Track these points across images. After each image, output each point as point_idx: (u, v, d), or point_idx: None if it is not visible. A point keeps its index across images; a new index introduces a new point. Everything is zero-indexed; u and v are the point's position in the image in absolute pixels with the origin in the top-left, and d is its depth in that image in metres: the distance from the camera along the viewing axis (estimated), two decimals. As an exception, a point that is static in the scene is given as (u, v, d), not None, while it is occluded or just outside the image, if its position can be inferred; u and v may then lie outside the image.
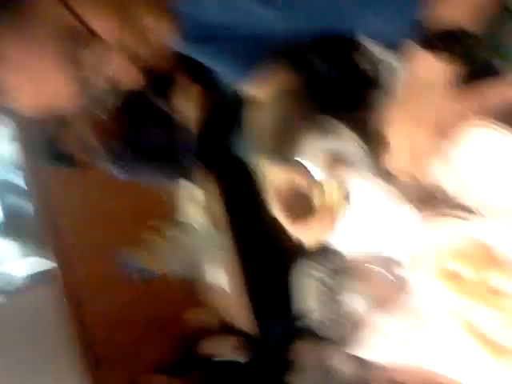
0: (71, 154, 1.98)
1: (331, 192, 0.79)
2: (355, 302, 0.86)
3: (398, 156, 0.78)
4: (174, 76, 1.97)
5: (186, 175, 2.06)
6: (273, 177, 0.87)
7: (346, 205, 0.80)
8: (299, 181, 0.83)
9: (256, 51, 0.94)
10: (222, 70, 0.99)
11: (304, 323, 0.91)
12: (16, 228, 4.63)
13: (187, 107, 1.94)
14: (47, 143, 1.98)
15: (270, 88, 0.96)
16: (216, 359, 2.16)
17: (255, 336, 2.03)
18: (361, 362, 0.89)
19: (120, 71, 0.62)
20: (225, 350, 2.12)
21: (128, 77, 0.63)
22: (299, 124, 0.94)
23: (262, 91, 0.97)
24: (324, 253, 1.50)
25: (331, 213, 0.79)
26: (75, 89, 0.60)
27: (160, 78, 2.02)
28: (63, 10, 0.56)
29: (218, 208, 2.12)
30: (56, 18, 0.57)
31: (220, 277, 2.23)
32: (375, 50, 1.20)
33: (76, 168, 2.08)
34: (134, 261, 2.71)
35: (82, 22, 0.57)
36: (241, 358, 2.07)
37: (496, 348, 0.69)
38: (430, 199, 0.82)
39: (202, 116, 1.96)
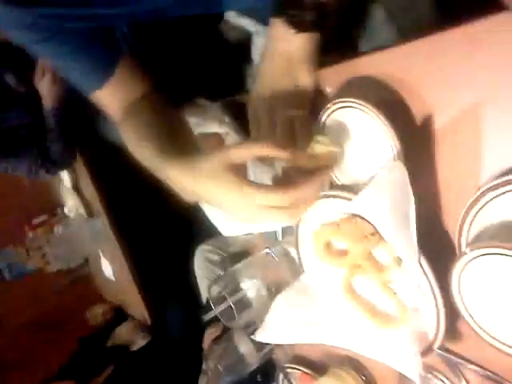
0: None
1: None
2: (252, 287, 0.85)
3: (264, 138, 0.77)
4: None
5: (54, 160, 1.91)
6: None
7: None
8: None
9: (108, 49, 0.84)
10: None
11: (208, 310, 0.89)
12: None
13: (46, 85, 1.78)
14: None
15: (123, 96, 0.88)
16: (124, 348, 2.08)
17: (150, 323, 1.98)
18: (264, 345, 0.89)
19: None
20: (126, 337, 2.05)
21: None
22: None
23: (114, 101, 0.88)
24: (218, 238, 1.50)
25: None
26: None
27: (8, 50, 1.83)
28: None
29: (90, 192, 2.01)
30: None
31: (106, 267, 2.14)
32: (241, 22, 1.17)
33: None
34: (11, 259, 2.52)
35: None
36: (141, 341, 2.02)
37: (383, 317, 0.72)
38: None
39: (62, 95, 1.81)
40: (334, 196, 0.71)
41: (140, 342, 2.01)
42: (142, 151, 0.77)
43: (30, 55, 1.73)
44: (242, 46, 1.63)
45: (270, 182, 0.79)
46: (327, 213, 0.74)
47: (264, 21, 1.05)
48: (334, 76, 0.74)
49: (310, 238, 0.78)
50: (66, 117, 1.83)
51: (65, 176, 2.11)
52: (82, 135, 1.89)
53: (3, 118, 1.83)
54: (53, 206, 2.49)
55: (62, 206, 2.38)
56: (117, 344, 2.07)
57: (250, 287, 0.87)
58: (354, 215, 0.68)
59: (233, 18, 1.21)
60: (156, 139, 0.76)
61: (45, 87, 1.76)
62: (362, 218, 0.67)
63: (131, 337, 2.01)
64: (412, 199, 0.61)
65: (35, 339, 2.62)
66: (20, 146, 1.83)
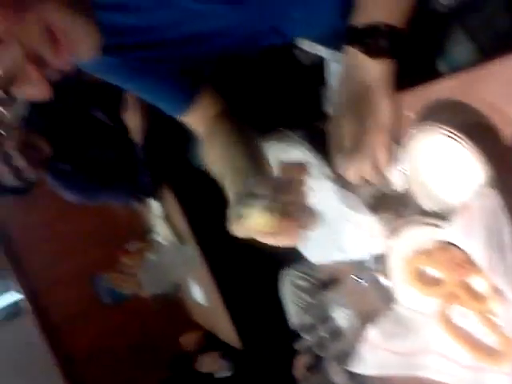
0: (9, 184, 1.89)
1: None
2: (343, 316, 0.84)
3: (348, 162, 0.77)
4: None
5: (144, 190, 2.01)
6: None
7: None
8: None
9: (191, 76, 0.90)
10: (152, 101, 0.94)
11: (297, 336, 0.89)
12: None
13: (133, 119, 1.89)
14: None
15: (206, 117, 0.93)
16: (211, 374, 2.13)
17: (240, 349, 2.00)
18: (357, 376, 0.88)
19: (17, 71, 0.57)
20: (212, 365, 2.09)
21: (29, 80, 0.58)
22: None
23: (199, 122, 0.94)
24: (306, 263, 1.50)
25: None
26: None
27: (100, 89, 1.94)
28: None
29: (179, 220, 2.09)
30: None
31: (196, 292, 2.20)
32: (314, 48, 1.19)
33: (21, 196, 1.99)
34: (108, 284, 2.67)
35: None
36: (226, 372, 2.06)
37: (483, 351, 0.68)
38: (392, 204, 0.80)
39: (147, 127, 1.91)
40: (426, 223, 0.69)
41: (223, 373, 2.05)
42: (215, 171, 0.82)
43: (117, 92, 1.86)
44: (317, 70, 1.64)
45: (361, 207, 0.79)
46: (419, 240, 0.72)
47: (337, 47, 1.06)
48: (414, 100, 0.73)
49: (402, 266, 0.76)
50: (153, 148, 1.93)
51: (155, 204, 2.21)
52: (169, 165, 1.97)
53: (100, 153, 1.96)
54: (145, 233, 2.62)
55: (153, 233, 2.49)
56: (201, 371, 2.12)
57: (341, 316, 0.86)
58: (448, 243, 0.66)
59: (306, 45, 1.23)
60: (227, 160, 0.81)
61: (132, 122, 1.87)
62: (456, 245, 0.64)
63: (215, 367, 2.05)
64: (508, 226, 0.58)
65: (129, 361, 2.74)
66: (114, 178, 1.95)
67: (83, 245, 2.75)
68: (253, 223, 0.62)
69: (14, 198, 2.05)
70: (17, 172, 1.83)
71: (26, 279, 2.71)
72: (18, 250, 2.71)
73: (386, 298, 0.85)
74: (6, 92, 0.57)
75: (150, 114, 1.87)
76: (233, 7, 0.77)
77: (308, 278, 1.54)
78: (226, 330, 2.03)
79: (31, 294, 2.72)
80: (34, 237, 2.72)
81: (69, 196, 2.03)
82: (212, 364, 2.06)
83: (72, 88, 1.88)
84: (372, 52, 0.69)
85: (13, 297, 4.05)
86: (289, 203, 0.66)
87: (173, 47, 0.83)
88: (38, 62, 0.57)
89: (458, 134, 0.60)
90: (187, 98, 0.91)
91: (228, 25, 0.81)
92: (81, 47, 0.61)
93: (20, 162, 1.81)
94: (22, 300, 2.84)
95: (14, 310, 3.68)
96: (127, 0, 0.73)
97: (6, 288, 4.30)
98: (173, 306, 2.66)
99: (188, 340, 2.32)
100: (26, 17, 0.55)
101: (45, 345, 2.73)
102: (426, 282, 0.73)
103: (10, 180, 1.85)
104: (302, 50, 1.26)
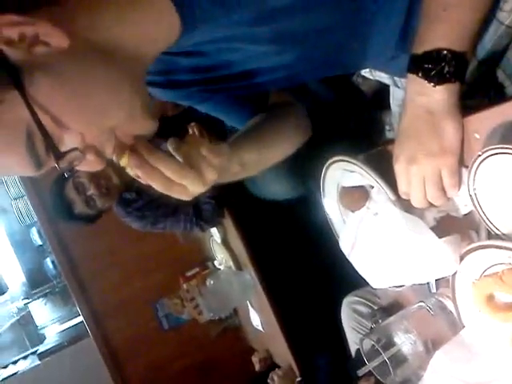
0: (80, 212, 1.97)
1: None
2: (407, 342, 0.83)
3: (412, 190, 0.77)
4: (179, 121, 2.00)
5: (207, 218, 2.06)
6: None
7: None
8: None
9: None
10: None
11: (357, 363, 0.88)
12: (40, 286, 4.70)
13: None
14: (59, 202, 1.98)
15: None
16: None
17: (299, 374, 1.98)
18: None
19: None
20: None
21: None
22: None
23: None
24: (366, 289, 1.49)
25: None
26: None
27: (163, 123, 2.04)
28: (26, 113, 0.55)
29: (238, 245, 2.12)
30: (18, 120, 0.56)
31: (254, 318, 2.20)
32: (375, 76, 1.20)
33: (90, 224, 2.08)
34: (167, 310, 2.73)
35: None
36: None
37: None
38: (459, 228, 0.79)
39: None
40: (495, 246, 0.68)
41: None
42: None
43: (181, 127, 1.94)
44: (378, 96, 1.65)
45: (427, 232, 0.78)
46: (487, 264, 0.70)
47: (399, 73, 1.07)
48: (481, 122, 0.73)
49: (469, 291, 0.74)
50: None
51: (215, 231, 2.26)
52: (230, 194, 2.02)
53: None
54: (204, 260, 2.67)
55: (212, 259, 2.53)
56: None
57: (405, 342, 0.85)
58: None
59: (366, 73, 1.24)
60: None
61: None
62: (528, 269, 0.63)
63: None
64: None
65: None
66: (177, 206, 2.01)
67: (144, 271, 2.83)
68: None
69: (82, 225, 2.15)
70: (88, 200, 1.93)
71: (89, 304, 2.80)
72: (82, 275, 2.81)
73: (453, 324, 0.83)
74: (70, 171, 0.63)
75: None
76: (293, 46, 0.81)
77: (369, 303, 1.52)
78: (284, 357, 2.02)
79: (93, 318, 2.80)
80: (97, 263, 2.83)
81: (134, 223, 2.11)
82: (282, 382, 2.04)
83: None
84: (434, 78, 0.70)
85: (77, 321, 4.21)
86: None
87: (235, 80, 0.88)
88: (98, 153, 0.64)
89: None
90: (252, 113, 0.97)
91: (289, 59, 0.84)
92: (145, 132, 0.67)
93: (91, 190, 1.91)
94: (84, 324, 2.93)
95: (77, 334, 3.82)
96: (194, 47, 0.78)
97: (73, 312, 4.48)
98: (230, 331, 2.68)
99: (255, 359, 2.30)
100: (97, 130, 0.61)
101: (104, 368, 2.79)
102: (497, 306, 0.71)
103: (81, 208, 1.96)
104: (362, 76, 1.28)
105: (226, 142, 0.83)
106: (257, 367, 2.30)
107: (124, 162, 0.66)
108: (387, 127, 1.64)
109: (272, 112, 0.98)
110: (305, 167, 1.78)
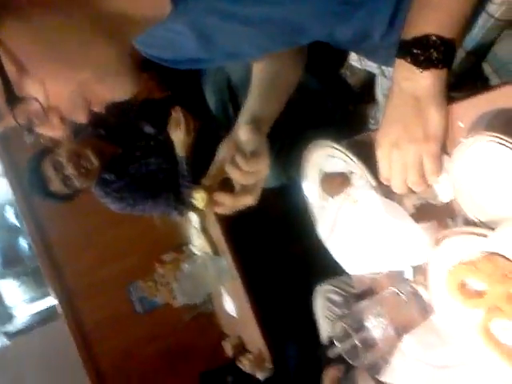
0: (56, 190, 1.95)
1: None
2: (377, 326, 0.84)
3: (393, 175, 0.78)
4: (164, 105, 1.99)
5: (185, 202, 2.05)
6: None
7: None
8: None
9: None
10: None
11: (330, 349, 0.89)
12: (14, 267, 4.62)
13: (178, 134, 1.94)
14: (35, 178, 1.95)
15: None
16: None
17: (270, 360, 2.00)
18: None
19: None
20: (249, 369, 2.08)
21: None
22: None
23: None
24: (339, 278, 1.50)
25: None
26: None
27: (149, 106, 2.02)
28: None
29: (215, 231, 2.12)
30: None
31: (228, 303, 2.21)
32: (363, 64, 1.20)
33: (66, 202, 2.05)
34: (141, 293, 2.71)
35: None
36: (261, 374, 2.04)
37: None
38: (437, 215, 0.80)
39: (192, 142, 1.96)
40: (469, 233, 0.69)
41: (261, 374, 2.03)
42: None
43: (165, 111, 1.93)
44: (365, 90, 1.66)
45: (405, 218, 0.79)
46: (462, 251, 0.71)
47: (387, 62, 1.07)
48: (466, 111, 0.73)
49: (443, 278, 0.75)
50: (196, 163, 1.97)
51: (193, 217, 2.25)
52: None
53: (144, 164, 2.02)
54: (181, 244, 2.65)
55: (188, 244, 2.52)
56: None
57: (376, 326, 0.86)
58: (493, 253, 0.66)
59: (355, 61, 1.25)
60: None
61: (177, 138, 1.92)
62: (503, 256, 0.64)
63: (253, 369, 2.04)
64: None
65: (160, 370, 2.75)
66: (157, 189, 2.00)
67: (120, 254, 2.80)
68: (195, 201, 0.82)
69: (57, 205, 2.12)
70: (65, 179, 1.90)
71: (62, 285, 2.77)
72: (56, 257, 2.78)
73: (424, 309, 0.84)
74: (31, 132, 0.60)
75: (195, 130, 1.92)
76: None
77: (342, 292, 1.54)
78: (256, 343, 2.02)
79: (66, 300, 2.77)
80: (72, 244, 2.79)
81: (112, 205, 2.09)
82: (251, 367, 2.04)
83: (124, 103, 1.95)
84: (422, 63, 0.70)
85: (49, 302, 4.15)
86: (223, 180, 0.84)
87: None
88: (62, 118, 0.61)
89: (509, 141, 0.60)
90: None
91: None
92: (114, 99, 0.65)
93: (69, 170, 1.89)
94: (57, 305, 2.90)
95: (49, 315, 3.77)
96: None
97: (44, 293, 4.42)
98: (204, 316, 2.68)
99: (228, 346, 2.29)
100: (64, 83, 0.59)
101: (75, 349, 2.77)
102: (468, 293, 0.72)
103: (57, 186, 1.93)
104: (350, 67, 1.28)
105: (263, 151, 0.88)
106: (229, 353, 2.31)
107: (201, 204, 0.81)
108: (372, 121, 1.65)
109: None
110: (288, 157, 1.78)
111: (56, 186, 1.93)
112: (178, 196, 2.00)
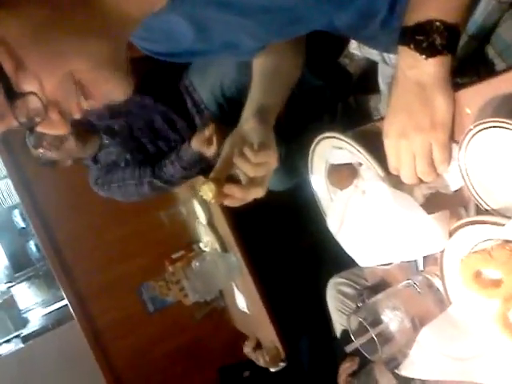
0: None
1: None
2: (394, 319, 0.83)
3: (402, 165, 0.76)
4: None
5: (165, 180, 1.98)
6: None
7: None
8: None
9: None
10: None
11: (346, 344, 0.88)
12: (25, 270, 4.65)
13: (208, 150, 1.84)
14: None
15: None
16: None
17: (284, 355, 1.99)
18: (407, 380, 0.86)
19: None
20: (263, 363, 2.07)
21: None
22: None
23: None
24: (351, 271, 1.49)
25: None
26: None
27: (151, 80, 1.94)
28: None
29: (223, 227, 2.11)
30: None
31: (239, 300, 2.20)
32: (364, 52, 1.18)
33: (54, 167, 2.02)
34: (152, 292, 2.72)
35: None
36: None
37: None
38: (448, 204, 0.79)
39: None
40: (483, 222, 0.67)
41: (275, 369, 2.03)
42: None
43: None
44: (366, 79, 1.63)
45: (416, 208, 0.78)
46: (475, 240, 0.70)
47: (388, 49, 1.05)
48: (473, 97, 0.72)
49: (457, 268, 0.74)
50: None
51: (200, 213, 2.24)
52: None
53: (108, 153, 1.99)
54: (190, 242, 2.65)
55: (198, 241, 2.52)
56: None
57: (392, 319, 0.85)
58: (508, 241, 0.64)
59: (355, 49, 1.23)
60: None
61: (209, 152, 1.78)
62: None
63: (267, 364, 2.03)
64: None
65: (175, 367, 2.77)
66: (124, 175, 1.96)
67: (129, 253, 2.81)
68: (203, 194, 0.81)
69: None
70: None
71: (73, 286, 2.77)
72: (66, 258, 2.78)
73: (440, 300, 0.83)
74: (32, 131, 0.60)
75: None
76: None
77: (354, 284, 1.53)
78: (269, 338, 2.02)
79: (78, 301, 2.78)
80: (81, 245, 2.80)
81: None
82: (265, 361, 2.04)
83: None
84: (426, 50, 0.68)
85: (60, 304, 4.18)
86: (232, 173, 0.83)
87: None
88: (63, 112, 0.60)
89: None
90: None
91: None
92: (111, 96, 0.64)
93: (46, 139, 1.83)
94: (68, 307, 2.91)
95: (62, 317, 3.79)
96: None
97: (56, 296, 4.45)
98: (216, 314, 2.68)
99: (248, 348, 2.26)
100: (57, 73, 0.57)
101: (89, 350, 2.78)
102: (484, 283, 0.71)
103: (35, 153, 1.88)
104: (350, 55, 1.27)
105: (271, 143, 0.87)
106: (250, 355, 2.26)
107: (209, 196, 0.80)
108: (375, 113, 1.63)
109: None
110: (294, 161, 1.77)
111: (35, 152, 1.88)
112: (158, 170, 1.93)
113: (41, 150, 1.85)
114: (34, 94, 0.56)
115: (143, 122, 1.96)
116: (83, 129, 1.93)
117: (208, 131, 1.74)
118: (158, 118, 1.95)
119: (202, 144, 1.77)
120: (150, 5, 0.66)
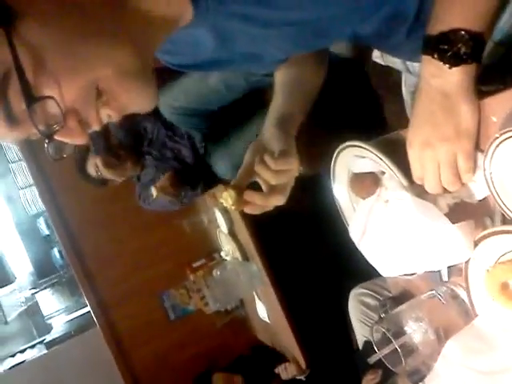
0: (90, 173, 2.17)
1: None
2: (418, 330, 0.81)
3: (427, 175, 0.75)
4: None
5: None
6: None
7: None
8: None
9: None
10: None
11: (369, 355, 0.87)
12: (49, 277, 4.72)
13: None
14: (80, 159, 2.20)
15: None
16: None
17: (305, 365, 1.98)
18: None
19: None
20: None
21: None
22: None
23: None
24: (373, 281, 1.48)
25: None
26: None
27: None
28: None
29: (245, 236, 2.11)
30: None
31: (260, 309, 2.19)
32: (387, 61, 1.18)
33: (97, 185, 2.24)
34: (173, 300, 2.73)
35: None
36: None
37: None
38: (473, 214, 0.77)
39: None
40: (510, 232, 0.66)
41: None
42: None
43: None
44: (390, 86, 1.62)
45: (440, 218, 0.76)
46: (502, 250, 0.69)
47: (412, 57, 1.04)
48: (499, 105, 0.71)
49: (483, 279, 0.73)
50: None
51: (222, 222, 2.25)
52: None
53: (147, 172, 2.26)
54: (211, 251, 2.66)
55: (219, 250, 2.52)
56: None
57: (416, 330, 0.83)
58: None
59: (378, 58, 1.22)
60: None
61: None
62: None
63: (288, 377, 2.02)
64: None
65: (195, 375, 2.76)
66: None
67: (151, 261, 2.83)
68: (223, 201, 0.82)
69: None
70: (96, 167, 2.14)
71: (96, 293, 2.80)
72: (89, 266, 2.82)
73: (465, 312, 0.81)
74: (50, 138, 0.59)
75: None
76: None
77: (376, 295, 1.51)
78: (291, 348, 2.01)
79: (100, 308, 2.81)
80: (104, 253, 2.83)
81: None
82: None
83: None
84: (450, 59, 0.67)
85: (83, 311, 4.23)
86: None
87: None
88: (82, 121, 0.60)
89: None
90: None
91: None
92: (133, 107, 0.64)
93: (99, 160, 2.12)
94: (91, 314, 2.94)
95: (85, 323, 3.84)
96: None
97: (79, 303, 4.50)
98: (236, 322, 2.68)
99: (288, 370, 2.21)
100: (79, 80, 0.57)
101: (110, 357, 2.80)
102: (511, 295, 0.70)
103: (91, 170, 2.18)
104: (374, 64, 1.26)
105: (291, 151, 0.87)
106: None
107: (229, 203, 0.81)
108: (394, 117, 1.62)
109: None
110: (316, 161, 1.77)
111: (90, 168, 2.19)
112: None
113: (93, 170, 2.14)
114: (53, 98, 0.56)
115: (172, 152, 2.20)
116: (135, 151, 2.21)
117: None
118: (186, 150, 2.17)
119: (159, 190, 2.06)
120: (176, 18, 0.67)
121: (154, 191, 2.07)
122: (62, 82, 0.57)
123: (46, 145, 0.60)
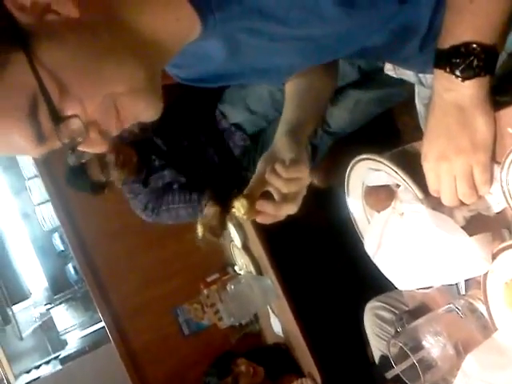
0: (92, 173, 2.05)
1: None
2: (437, 345, 0.80)
3: (443, 188, 0.75)
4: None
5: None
6: None
7: None
8: None
9: None
10: None
11: (387, 369, 0.85)
12: (62, 292, 4.74)
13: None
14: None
15: None
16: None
17: (320, 380, 1.95)
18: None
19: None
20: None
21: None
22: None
23: None
24: (389, 295, 1.46)
25: None
26: None
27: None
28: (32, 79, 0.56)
29: (258, 250, 2.10)
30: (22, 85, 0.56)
31: (275, 323, 2.18)
32: (399, 74, 1.18)
33: (93, 193, 2.13)
34: (187, 315, 2.72)
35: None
36: None
37: None
38: (490, 226, 0.77)
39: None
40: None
41: None
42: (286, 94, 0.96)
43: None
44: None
45: (457, 231, 0.76)
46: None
47: (424, 69, 1.04)
48: (513, 116, 0.70)
49: (502, 291, 0.72)
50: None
51: (235, 236, 2.25)
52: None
53: (160, 177, 2.10)
54: (225, 265, 2.66)
55: (233, 264, 2.52)
56: None
57: (434, 345, 0.82)
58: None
59: (390, 71, 1.22)
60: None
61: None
62: None
63: None
64: None
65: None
66: (174, 198, 2.09)
67: (165, 276, 2.82)
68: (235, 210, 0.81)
69: (86, 191, 2.16)
70: (103, 165, 1.99)
71: (110, 308, 2.80)
72: (103, 280, 2.82)
73: (484, 326, 0.80)
74: (74, 150, 0.63)
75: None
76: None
77: (392, 309, 1.49)
78: (306, 363, 1.99)
79: (114, 323, 2.80)
80: (118, 268, 2.83)
81: (139, 211, 2.16)
82: None
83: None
84: (463, 73, 0.67)
85: (98, 327, 4.23)
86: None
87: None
88: (101, 131, 0.63)
89: None
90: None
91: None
92: (140, 118, 0.66)
93: (109, 157, 1.99)
94: (105, 330, 2.94)
95: (99, 339, 3.84)
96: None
97: (93, 318, 4.51)
98: (251, 337, 2.66)
99: None
100: (97, 96, 0.60)
101: (125, 373, 2.79)
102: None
103: (95, 170, 2.03)
104: (386, 76, 1.26)
105: (303, 159, 0.87)
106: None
107: (241, 213, 0.80)
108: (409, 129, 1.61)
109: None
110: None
111: (94, 169, 2.02)
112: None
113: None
114: (77, 116, 0.59)
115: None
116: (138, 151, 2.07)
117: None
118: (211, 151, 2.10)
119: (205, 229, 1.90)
120: (185, 34, 0.68)
121: (199, 229, 1.87)
122: (83, 99, 0.59)
123: (68, 154, 0.62)
